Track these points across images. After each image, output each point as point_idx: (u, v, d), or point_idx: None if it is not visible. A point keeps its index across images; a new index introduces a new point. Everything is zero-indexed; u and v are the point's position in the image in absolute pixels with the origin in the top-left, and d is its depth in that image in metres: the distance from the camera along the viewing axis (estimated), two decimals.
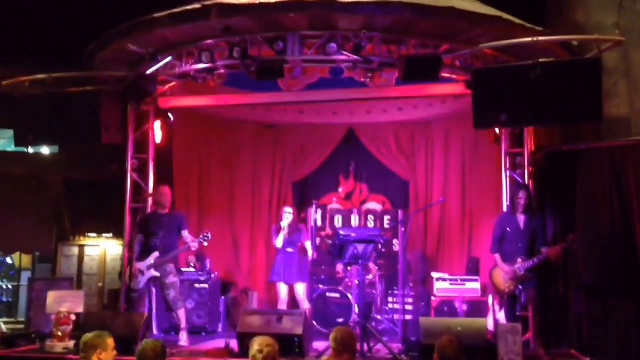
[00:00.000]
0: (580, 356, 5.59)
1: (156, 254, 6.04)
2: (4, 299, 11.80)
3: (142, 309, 6.12)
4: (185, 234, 6.18)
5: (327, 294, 7.00)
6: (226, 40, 5.75)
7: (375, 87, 6.80)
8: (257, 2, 5.34)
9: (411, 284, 7.58)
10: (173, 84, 6.58)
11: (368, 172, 8.65)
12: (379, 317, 7.24)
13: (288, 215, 6.68)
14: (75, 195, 9.31)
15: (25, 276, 10.44)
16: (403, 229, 7.07)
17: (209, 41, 5.86)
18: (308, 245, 6.76)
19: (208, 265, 7.50)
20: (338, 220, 8.32)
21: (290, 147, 8.84)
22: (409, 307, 7.17)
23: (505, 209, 6.23)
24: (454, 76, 6.04)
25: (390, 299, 7.51)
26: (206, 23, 5.59)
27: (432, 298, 6.83)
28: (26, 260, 11.13)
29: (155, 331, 6.65)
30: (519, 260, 5.63)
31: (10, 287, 11.89)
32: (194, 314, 7.06)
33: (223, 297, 7.45)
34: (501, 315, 5.94)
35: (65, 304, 5.77)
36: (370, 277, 7.21)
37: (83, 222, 9.44)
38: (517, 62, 5.60)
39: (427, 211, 8.10)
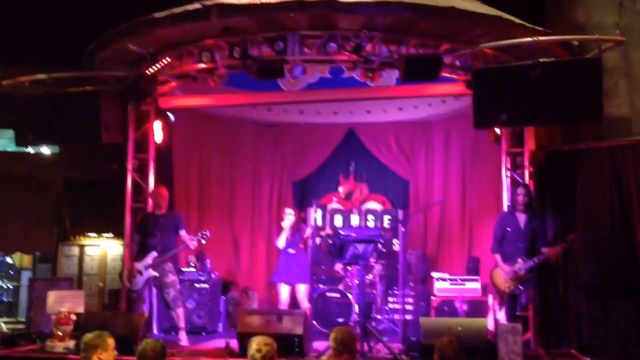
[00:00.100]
0: (580, 356, 5.59)
1: (154, 253, 6.05)
2: (5, 299, 11.80)
3: (141, 308, 6.12)
4: (183, 233, 6.19)
5: (327, 294, 7.00)
6: (226, 40, 5.75)
7: (376, 87, 6.81)
8: (258, 2, 5.34)
9: (411, 284, 7.57)
10: (173, 84, 6.57)
11: (368, 172, 8.66)
12: (379, 316, 7.24)
13: (289, 216, 6.68)
14: (76, 195, 9.31)
15: (26, 276, 10.43)
16: (403, 229, 7.07)
17: (209, 41, 5.85)
18: (308, 231, 6.72)
19: (208, 265, 7.51)
20: (338, 220, 8.33)
21: (290, 147, 8.85)
22: (409, 307, 7.18)
23: (505, 208, 6.23)
24: (454, 76, 6.04)
25: (390, 299, 7.50)
26: (206, 23, 5.58)
27: (432, 298, 6.83)
28: (26, 260, 11.12)
29: (155, 331, 6.65)
30: (519, 260, 5.63)
31: (10, 287, 11.88)
32: (194, 313, 7.06)
33: (223, 296, 7.45)
34: (501, 315, 5.94)
35: (65, 303, 5.77)
36: (370, 277, 7.21)
37: (83, 222, 9.44)
38: (518, 62, 5.60)
39: (427, 211, 8.10)
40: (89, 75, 6.44)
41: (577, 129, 6.69)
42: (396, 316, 7.25)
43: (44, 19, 8.78)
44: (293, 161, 8.82)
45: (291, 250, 6.65)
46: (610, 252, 5.95)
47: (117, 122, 6.23)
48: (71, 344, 5.47)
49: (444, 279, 6.85)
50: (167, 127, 7.27)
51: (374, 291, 7.25)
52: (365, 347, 5.37)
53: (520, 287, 5.70)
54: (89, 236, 9.47)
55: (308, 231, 6.76)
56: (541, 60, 5.17)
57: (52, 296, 5.88)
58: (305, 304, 6.68)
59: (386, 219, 8.22)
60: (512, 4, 5.92)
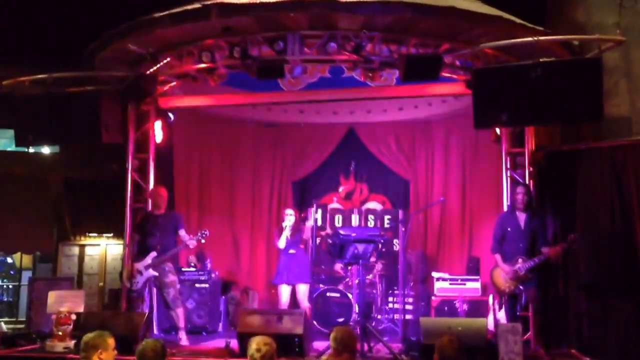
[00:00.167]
0: (580, 356, 5.59)
1: (153, 253, 6.06)
2: (5, 299, 11.82)
3: (141, 308, 6.12)
4: (182, 233, 6.19)
5: (327, 294, 7.00)
6: (226, 40, 5.75)
7: (376, 86, 6.80)
8: (257, 1, 5.33)
9: (411, 284, 7.58)
10: (173, 83, 6.57)
11: (368, 172, 8.66)
12: (379, 316, 7.25)
13: (290, 217, 6.67)
14: (76, 195, 9.32)
15: (26, 276, 10.44)
16: (403, 229, 7.06)
17: (209, 41, 5.85)
18: (308, 223, 6.71)
19: (208, 265, 7.51)
20: (338, 220, 8.33)
21: (290, 147, 8.84)
22: (409, 307, 7.17)
23: (505, 208, 6.22)
24: (454, 76, 6.03)
25: (390, 299, 7.51)
26: (206, 23, 5.58)
27: (433, 298, 6.83)
28: (27, 260, 11.13)
29: (155, 331, 6.65)
30: (520, 260, 5.63)
31: (10, 286, 11.91)
32: (194, 313, 7.06)
33: (223, 296, 7.45)
34: (501, 315, 5.93)
35: (65, 303, 5.76)
36: (370, 276, 7.21)
37: (83, 221, 9.45)
38: (518, 61, 5.59)
39: (427, 211, 8.10)
40: (89, 75, 6.44)
41: (577, 128, 6.69)
42: (396, 316, 7.26)
43: (44, 19, 8.79)
44: (293, 161, 8.82)
45: (292, 251, 6.64)
46: (610, 252, 5.95)
47: (117, 122, 6.23)
48: (71, 343, 5.47)
49: (444, 279, 6.85)
50: (167, 127, 7.27)
51: (374, 291, 7.25)
52: (365, 347, 5.37)
53: (521, 287, 5.70)
54: (89, 236, 9.48)
55: (309, 223, 6.66)
56: (541, 60, 5.17)
57: (52, 296, 5.88)
58: (305, 303, 6.68)
59: (386, 219, 8.22)
60: (512, 4, 5.92)
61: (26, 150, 9.55)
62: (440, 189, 8.16)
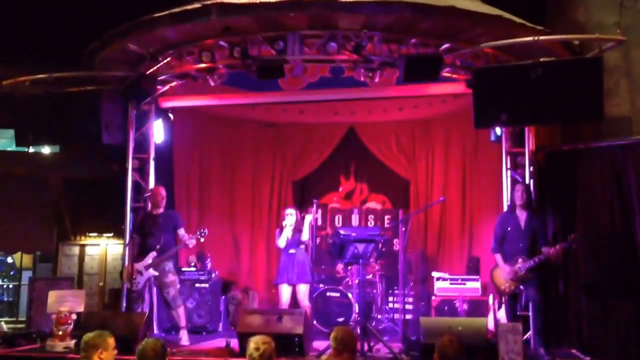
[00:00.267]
0: (580, 356, 5.59)
1: (153, 253, 6.05)
2: (5, 299, 11.82)
3: (141, 308, 6.12)
4: (182, 232, 6.19)
5: (328, 293, 7.00)
6: (226, 40, 5.75)
7: (376, 86, 6.80)
8: (257, 1, 5.34)
9: (411, 284, 7.58)
10: (173, 83, 6.57)
11: (368, 172, 8.66)
12: (379, 316, 7.25)
13: (290, 216, 6.66)
14: (76, 195, 9.32)
15: (26, 276, 10.45)
16: (403, 229, 7.06)
17: (209, 41, 5.86)
18: (308, 218, 6.66)
19: (208, 265, 7.51)
20: (338, 220, 8.33)
21: (290, 147, 8.84)
22: (409, 307, 7.17)
23: (505, 208, 6.22)
24: (454, 75, 6.04)
25: (390, 299, 7.51)
26: (206, 23, 5.58)
27: (433, 297, 6.83)
28: (27, 259, 11.14)
29: (155, 330, 6.65)
30: (520, 260, 5.62)
31: (11, 286, 11.91)
32: (194, 313, 7.06)
33: (223, 296, 7.45)
34: (501, 315, 5.93)
35: (66, 303, 5.77)
36: (370, 276, 7.21)
37: (83, 221, 9.45)
38: (518, 61, 5.59)
39: (427, 211, 8.09)
40: (89, 75, 6.45)
41: (577, 128, 6.68)
42: (396, 316, 7.26)
43: (44, 19, 8.78)
44: (293, 161, 8.81)
45: (292, 250, 6.64)
46: (610, 252, 5.95)
47: (117, 122, 6.24)
48: (71, 343, 5.48)
49: (444, 279, 6.85)
50: (167, 126, 7.27)
51: (374, 291, 7.25)
52: (366, 347, 5.37)
53: (521, 287, 5.69)
54: (89, 236, 9.48)
55: (308, 217, 6.60)
56: (542, 59, 5.17)
57: (52, 296, 5.88)
58: (305, 303, 6.68)
59: (386, 218, 8.22)
60: (512, 4, 5.92)
61: (26, 150, 9.55)
62: (440, 189, 8.15)
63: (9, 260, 12.46)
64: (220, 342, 5.82)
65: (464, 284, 6.77)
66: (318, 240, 7.79)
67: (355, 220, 8.27)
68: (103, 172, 8.65)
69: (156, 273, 6.05)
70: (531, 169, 6.26)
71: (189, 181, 8.17)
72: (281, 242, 6.60)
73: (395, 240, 7.86)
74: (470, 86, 5.56)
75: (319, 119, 8.49)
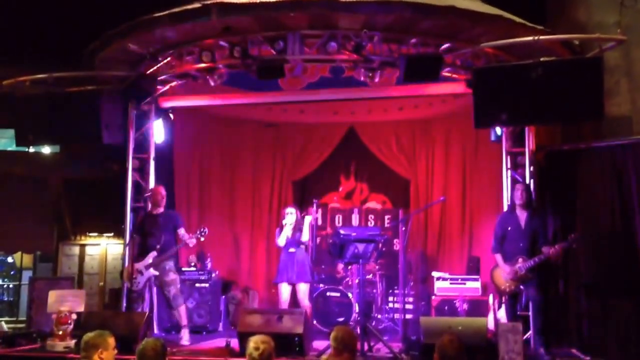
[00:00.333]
0: (580, 356, 5.59)
1: (154, 253, 6.05)
2: (5, 298, 11.84)
3: (141, 308, 6.12)
4: (182, 232, 6.19)
5: (328, 293, 7.00)
6: (226, 40, 5.75)
7: (376, 86, 6.80)
8: (257, 1, 5.33)
9: (411, 283, 7.58)
10: (173, 83, 6.57)
11: (369, 172, 8.66)
12: (379, 316, 7.24)
13: (290, 215, 6.65)
14: (76, 195, 9.33)
15: (26, 275, 10.46)
16: (403, 228, 7.06)
17: (209, 40, 5.85)
18: (307, 219, 6.66)
19: (209, 265, 7.51)
20: (338, 220, 8.33)
21: (290, 147, 8.84)
22: (409, 306, 7.18)
23: (505, 208, 6.22)
24: (454, 75, 6.03)
25: (390, 298, 7.51)
26: (206, 22, 5.58)
27: (433, 297, 6.83)
28: (27, 259, 11.15)
29: (156, 330, 6.65)
30: (520, 260, 5.62)
31: (11, 286, 11.92)
32: (194, 313, 7.06)
33: (223, 296, 7.45)
34: (501, 315, 5.93)
35: (66, 303, 5.77)
36: (370, 276, 7.20)
37: (84, 221, 9.46)
38: (518, 61, 5.59)
39: (427, 210, 8.09)
40: (89, 75, 6.45)
41: (577, 128, 6.68)
42: (396, 315, 7.26)
43: (44, 19, 8.79)
44: (293, 160, 8.81)
45: (292, 249, 6.64)
46: (611, 252, 5.95)
47: (117, 122, 6.23)
48: (72, 343, 5.48)
49: (444, 279, 6.85)
50: (168, 126, 7.27)
51: (374, 290, 7.25)
52: (366, 346, 5.37)
53: (521, 287, 5.69)
54: (89, 235, 9.48)
55: (308, 218, 6.59)
56: (542, 59, 5.17)
57: (52, 295, 5.88)
58: (305, 303, 6.68)
59: (386, 218, 8.22)
60: (512, 3, 5.92)
61: (26, 150, 9.55)
62: (440, 189, 8.15)
63: (9, 260, 12.47)
64: (220, 342, 5.82)
65: (464, 283, 6.77)
66: (318, 240, 7.79)
67: (355, 220, 8.28)
68: (103, 172, 8.66)
69: (156, 273, 6.05)
70: (531, 168, 6.26)
71: (189, 181, 8.17)
72: (281, 241, 6.60)
73: (395, 240, 7.86)
74: (471, 86, 5.56)
75: (319, 119, 8.49)
